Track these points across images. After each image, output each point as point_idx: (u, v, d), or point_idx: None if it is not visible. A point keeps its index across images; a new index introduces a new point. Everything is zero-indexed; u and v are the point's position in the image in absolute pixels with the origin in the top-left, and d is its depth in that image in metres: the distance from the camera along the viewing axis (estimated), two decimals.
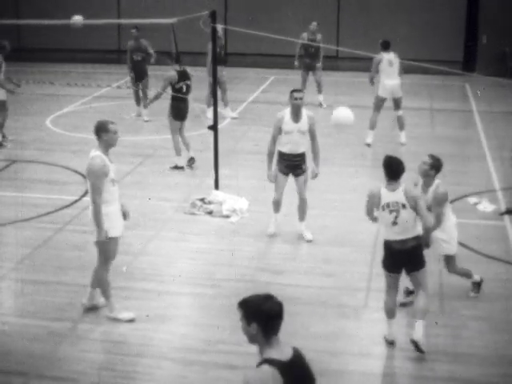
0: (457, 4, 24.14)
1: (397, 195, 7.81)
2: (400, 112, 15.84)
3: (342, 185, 13.48)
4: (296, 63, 19.19)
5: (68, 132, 16.80)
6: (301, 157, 10.77)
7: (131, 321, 8.67)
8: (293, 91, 10.64)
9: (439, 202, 8.67)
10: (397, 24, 24.24)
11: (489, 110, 19.18)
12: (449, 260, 9.15)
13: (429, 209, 8.49)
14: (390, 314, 8.23)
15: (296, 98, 10.50)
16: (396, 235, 7.89)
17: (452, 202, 12.44)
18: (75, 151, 14.93)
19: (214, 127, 12.46)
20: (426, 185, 8.82)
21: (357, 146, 15.54)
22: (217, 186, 12.51)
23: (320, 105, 19.14)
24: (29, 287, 9.59)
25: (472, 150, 15.76)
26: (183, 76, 14.23)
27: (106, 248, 8.50)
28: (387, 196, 7.84)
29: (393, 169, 7.92)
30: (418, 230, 7.99)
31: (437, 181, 8.81)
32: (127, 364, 7.90)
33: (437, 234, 8.80)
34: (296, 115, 10.57)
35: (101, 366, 7.89)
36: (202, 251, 10.69)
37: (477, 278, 9.37)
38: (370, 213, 8.23)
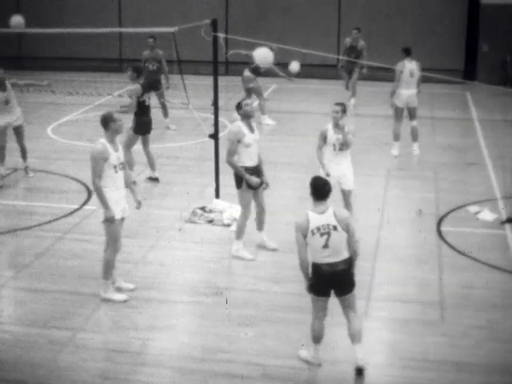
0: (457, 12, 24.15)
1: (326, 217, 7.57)
2: (414, 122, 15.68)
3: (340, 194, 13.43)
4: (339, 66, 20.28)
5: (69, 141, 16.81)
6: (259, 167, 10.62)
7: (125, 302, 9.30)
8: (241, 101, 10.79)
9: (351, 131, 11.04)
10: (397, 32, 24.26)
11: (489, 118, 19.18)
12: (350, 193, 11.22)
13: (342, 145, 10.94)
14: (318, 338, 7.89)
15: (246, 104, 10.58)
16: (326, 258, 7.57)
17: (453, 211, 12.48)
18: (76, 160, 14.93)
19: (214, 136, 12.47)
20: (338, 126, 10.91)
21: (357, 153, 15.51)
22: (217, 195, 12.50)
23: (352, 107, 19.52)
24: (29, 296, 9.59)
25: (473, 158, 15.74)
26: (146, 89, 13.74)
27: (110, 229, 9.23)
28: (316, 219, 7.57)
29: (320, 189, 7.67)
30: (348, 253, 7.72)
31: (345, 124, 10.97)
32: (127, 373, 7.88)
33: (347, 170, 11.12)
34: (249, 126, 10.55)
35: (101, 374, 7.87)
36: (203, 260, 10.67)
37: None
38: (302, 248, 7.62)
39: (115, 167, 9.11)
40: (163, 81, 17.91)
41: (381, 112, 19.07)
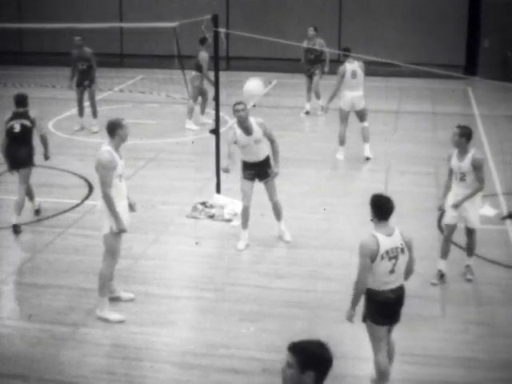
0: (459, 8, 24.15)
1: (395, 240, 6.95)
2: (365, 123, 15.11)
3: (341, 189, 13.47)
4: (302, 60, 19.23)
5: (70, 135, 16.81)
6: (264, 163, 10.73)
7: (121, 322, 8.76)
8: (234, 105, 10.51)
9: (480, 165, 9.44)
10: (399, 28, 24.26)
11: (491, 114, 19.17)
12: (474, 231, 9.84)
13: (463, 175, 9.43)
14: (387, 375, 7.25)
15: (238, 110, 10.39)
16: (389, 284, 7.00)
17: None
18: (77, 155, 14.93)
19: (215, 131, 12.47)
20: (461, 153, 9.47)
21: (356, 150, 15.50)
22: (218, 190, 12.51)
23: (320, 109, 19.10)
24: (30, 291, 9.59)
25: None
26: (18, 114, 11.64)
27: (113, 242, 8.71)
28: (386, 242, 6.90)
29: (383, 207, 7.01)
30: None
31: (472, 149, 9.50)
32: (128, 368, 7.89)
33: (469, 206, 9.53)
34: (246, 128, 10.48)
35: (102, 369, 7.88)
36: (204, 255, 10.68)
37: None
38: (366, 274, 6.93)
39: (120, 176, 8.62)
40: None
41: (383, 107, 19.11)
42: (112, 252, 8.79)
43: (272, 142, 10.71)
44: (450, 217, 9.70)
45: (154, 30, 17.54)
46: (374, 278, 6.96)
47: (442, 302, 9.32)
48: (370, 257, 6.86)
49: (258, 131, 10.53)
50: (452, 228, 9.77)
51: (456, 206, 9.55)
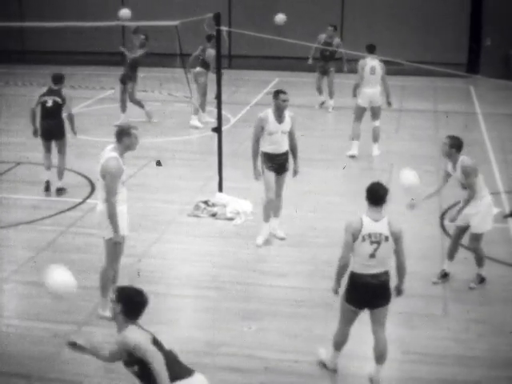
0: (461, 6, 24.12)
1: (381, 226, 7.15)
2: (377, 123, 15.25)
3: (343, 188, 13.48)
4: (310, 61, 19.36)
5: (71, 134, 16.78)
6: (285, 155, 10.85)
7: None
8: (279, 92, 10.69)
9: (468, 173, 9.18)
10: (400, 26, 24.23)
11: (493, 112, 19.15)
12: (476, 237, 9.57)
13: (463, 184, 9.32)
14: (340, 345, 7.71)
15: (284, 100, 10.56)
16: (369, 268, 7.20)
17: (455, 204, 12.44)
18: (79, 153, 14.91)
19: (217, 129, 12.47)
20: (453, 163, 9.36)
21: (359, 149, 15.49)
22: (221, 189, 12.51)
23: (331, 108, 19.15)
24: (32, 290, 9.60)
25: (476, 152, 15.69)
26: (51, 91, 13.00)
27: (115, 247, 8.70)
28: (370, 226, 7.14)
29: (375, 194, 7.20)
30: (390, 265, 7.36)
31: (461, 156, 9.30)
32: None
33: (470, 210, 9.37)
34: (280, 116, 10.63)
35: (104, 368, 7.88)
36: (206, 254, 10.69)
37: (483, 273, 9.75)
38: (348, 251, 7.22)
39: (123, 183, 8.58)
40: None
41: (384, 105, 19.07)
42: (114, 256, 8.80)
43: (293, 138, 10.84)
44: (460, 218, 9.62)
45: (155, 28, 17.48)
46: (354, 259, 7.24)
47: (443, 301, 9.33)
48: (352, 234, 7.15)
49: (288, 123, 10.69)
50: (459, 230, 9.74)
51: (452, 220, 9.77)
